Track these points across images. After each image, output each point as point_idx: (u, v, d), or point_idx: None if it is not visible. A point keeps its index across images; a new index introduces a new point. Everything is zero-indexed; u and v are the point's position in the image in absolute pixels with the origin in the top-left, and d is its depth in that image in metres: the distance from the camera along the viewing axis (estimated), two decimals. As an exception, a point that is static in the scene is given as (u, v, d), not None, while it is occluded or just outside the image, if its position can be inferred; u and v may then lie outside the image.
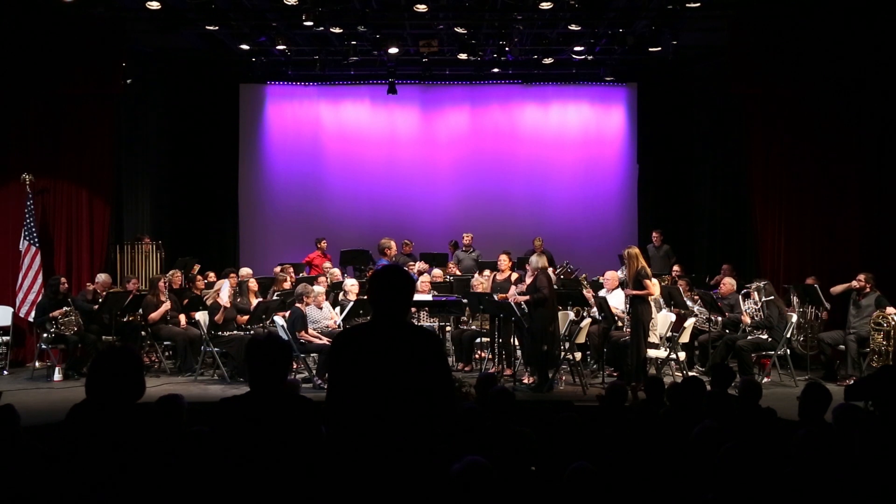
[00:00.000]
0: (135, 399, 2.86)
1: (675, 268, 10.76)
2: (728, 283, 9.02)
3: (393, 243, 10.57)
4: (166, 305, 9.10)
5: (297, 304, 8.54)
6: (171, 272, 9.97)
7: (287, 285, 9.87)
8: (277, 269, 10.51)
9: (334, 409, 2.92)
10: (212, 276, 10.40)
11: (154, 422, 2.89)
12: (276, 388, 2.91)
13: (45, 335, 8.81)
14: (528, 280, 8.13)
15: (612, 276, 9.13)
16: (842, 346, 8.53)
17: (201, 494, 2.86)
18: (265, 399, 2.87)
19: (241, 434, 2.80)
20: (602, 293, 9.02)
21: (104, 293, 9.21)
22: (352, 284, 9.30)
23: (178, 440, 3.76)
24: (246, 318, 8.90)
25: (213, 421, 2.89)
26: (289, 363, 3.03)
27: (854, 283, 8.66)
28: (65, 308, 8.83)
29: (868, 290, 8.54)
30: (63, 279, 9.15)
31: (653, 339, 8.12)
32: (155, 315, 9.00)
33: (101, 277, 9.42)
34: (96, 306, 9.09)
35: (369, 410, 2.85)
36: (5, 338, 9.36)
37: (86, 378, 2.83)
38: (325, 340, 8.28)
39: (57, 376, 8.66)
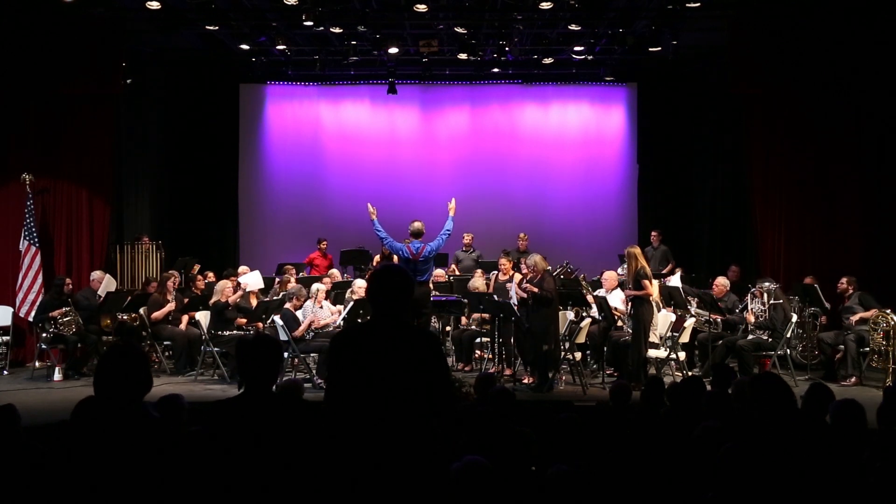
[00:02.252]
0: (143, 393, 2.88)
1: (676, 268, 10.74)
2: (720, 284, 8.98)
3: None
4: (170, 306, 9.11)
5: (286, 306, 8.54)
6: (167, 273, 9.96)
7: (288, 286, 9.85)
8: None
9: (334, 408, 2.91)
10: (211, 275, 10.40)
11: (158, 420, 2.90)
12: (267, 388, 2.90)
13: (44, 334, 8.81)
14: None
15: (610, 276, 9.13)
16: (841, 346, 8.53)
17: (196, 496, 2.86)
18: (257, 400, 2.86)
19: (233, 436, 2.80)
20: (600, 293, 9.01)
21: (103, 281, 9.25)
22: (360, 286, 9.26)
23: (178, 440, 3.75)
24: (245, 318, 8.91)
25: (207, 424, 2.89)
26: (279, 363, 3.03)
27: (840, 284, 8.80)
28: (64, 308, 8.83)
29: (851, 291, 8.63)
30: (68, 280, 9.14)
31: (653, 339, 8.12)
32: (158, 314, 9.01)
33: (97, 274, 9.39)
34: (100, 300, 9.11)
35: (369, 410, 2.85)
36: (5, 338, 9.36)
37: (94, 377, 2.86)
38: (303, 327, 8.32)
39: (57, 376, 8.66)
